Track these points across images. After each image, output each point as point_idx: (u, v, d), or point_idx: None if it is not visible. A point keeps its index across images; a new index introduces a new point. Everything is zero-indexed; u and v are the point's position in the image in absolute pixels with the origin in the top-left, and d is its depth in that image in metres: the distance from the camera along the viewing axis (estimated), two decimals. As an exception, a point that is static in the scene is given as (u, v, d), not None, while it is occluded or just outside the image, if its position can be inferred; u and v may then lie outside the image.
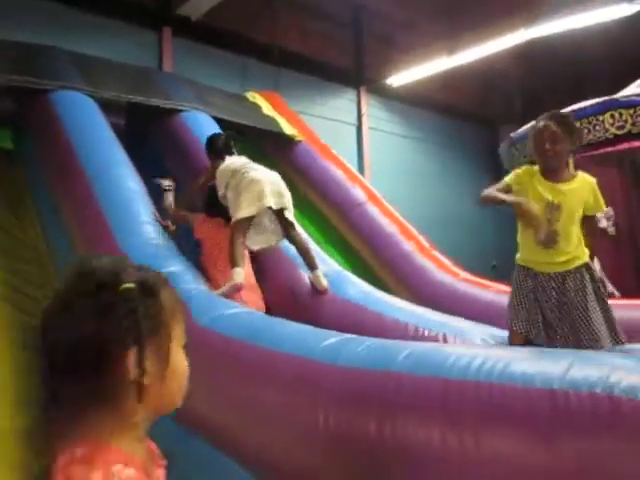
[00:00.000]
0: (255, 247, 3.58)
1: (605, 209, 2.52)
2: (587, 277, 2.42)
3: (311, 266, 3.60)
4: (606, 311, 2.42)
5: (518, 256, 2.58)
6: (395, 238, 5.06)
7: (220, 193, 3.58)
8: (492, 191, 2.59)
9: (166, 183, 3.54)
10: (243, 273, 3.19)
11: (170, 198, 3.50)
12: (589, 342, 2.34)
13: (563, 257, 2.43)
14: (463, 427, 1.32)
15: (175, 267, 2.82)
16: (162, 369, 0.85)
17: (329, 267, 3.90)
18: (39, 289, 3.28)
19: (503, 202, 2.49)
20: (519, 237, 2.58)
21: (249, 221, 3.38)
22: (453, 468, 1.32)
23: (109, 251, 2.98)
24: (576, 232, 2.46)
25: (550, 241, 2.39)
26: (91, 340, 0.77)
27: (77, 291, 0.80)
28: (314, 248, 4.03)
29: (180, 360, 0.91)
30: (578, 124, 5.96)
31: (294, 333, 2.06)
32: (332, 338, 1.86)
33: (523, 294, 2.49)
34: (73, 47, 5.12)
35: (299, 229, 3.88)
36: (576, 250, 2.45)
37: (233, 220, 3.38)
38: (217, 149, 3.81)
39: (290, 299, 3.66)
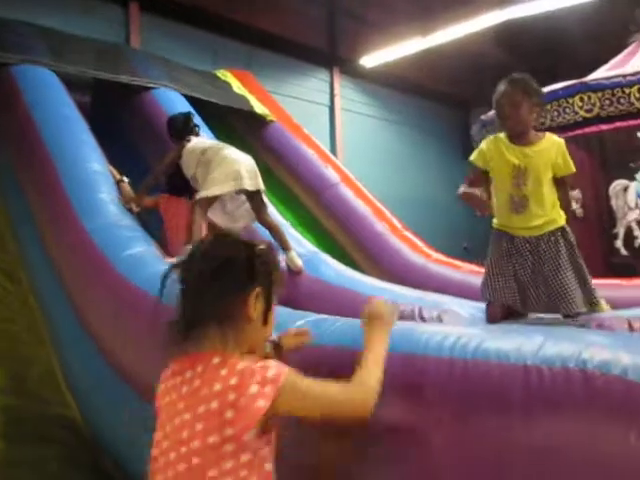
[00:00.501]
0: (222, 224, 3.52)
1: (574, 170, 2.48)
2: (561, 241, 2.40)
3: (285, 247, 3.56)
4: (581, 274, 2.41)
5: (494, 220, 2.57)
6: (368, 219, 5.06)
7: (189, 174, 3.46)
8: (461, 189, 2.59)
9: (118, 177, 3.42)
10: None
11: (127, 188, 3.39)
12: (564, 305, 2.33)
13: (536, 221, 2.39)
14: (438, 403, 1.32)
15: (141, 248, 2.75)
16: (266, 312, 1.14)
17: (304, 248, 3.88)
18: (3, 273, 3.19)
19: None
20: (494, 202, 2.55)
21: (213, 200, 3.28)
22: (427, 445, 1.31)
23: (74, 233, 2.89)
24: (549, 195, 2.41)
25: (484, 210, 2.39)
26: (237, 276, 1.09)
27: (227, 244, 1.15)
28: (288, 230, 4.01)
29: (273, 314, 1.17)
30: (548, 106, 6.03)
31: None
32: (306, 318, 1.84)
33: (498, 258, 2.46)
34: (37, 21, 4.93)
35: (272, 210, 3.83)
36: (550, 213, 2.40)
37: (198, 196, 3.27)
38: (178, 130, 3.68)
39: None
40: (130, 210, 3.29)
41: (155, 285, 2.35)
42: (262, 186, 3.46)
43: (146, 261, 2.64)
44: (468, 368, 1.32)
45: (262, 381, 1.01)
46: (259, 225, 3.67)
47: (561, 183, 2.45)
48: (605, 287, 3.44)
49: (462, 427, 1.28)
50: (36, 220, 3.25)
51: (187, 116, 3.79)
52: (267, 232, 3.63)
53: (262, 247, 1.16)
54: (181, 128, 3.67)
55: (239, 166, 3.29)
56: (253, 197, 3.47)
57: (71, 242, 2.89)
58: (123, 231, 2.90)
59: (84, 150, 3.48)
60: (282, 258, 3.58)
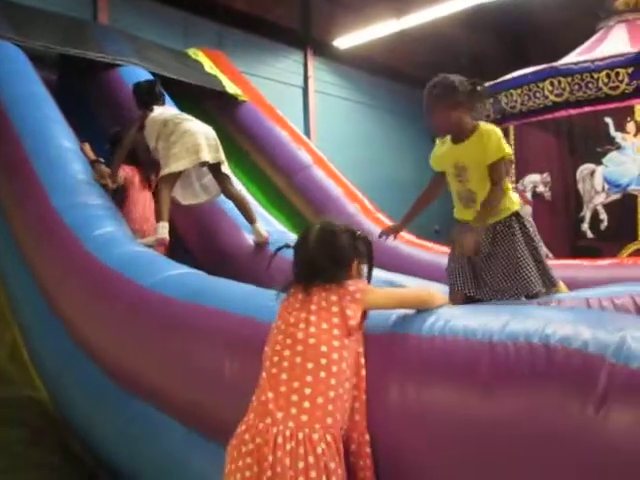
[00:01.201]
0: (185, 202, 3.53)
1: (511, 154, 2.49)
2: (516, 225, 2.44)
3: (250, 220, 3.57)
4: (537, 257, 2.46)
5: (454, 211, 2.61)
6: (340, 201, 5.07)
7: (151, 146, 3.42)
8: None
9: (93, 157, 3.35)
10: (167, 227, 3.12)
11: (102, 167, 3.33)
12: (522, 285, 2.37)
13: None
14: (406, 377, 1.34)
15: (113, 227, 2.71)
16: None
17: (272, 227, 3.87)
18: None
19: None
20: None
21: (178, 175, 3.29)
22: (394, 417, 1.34)
23: (41, 212, 2.83)
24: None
25: (472, 251, 2.38)
26: (345, 249, 1.52)
27: (339, 229, 1.54)
28: (258, 209, 3.99)
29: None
30: (519, 91, 6.10)
31: (240, 293, 2.03)
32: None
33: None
34: (0, -6, 4.76)
35: (236, 183, 3.81)
36: (501, 202, 2.42)
37: (162, 173, 3.26)
38: (142, 96, 3.60)
39: (231, 260, 3.62)
40: (106, 187, 3.26)
41: (126, 265, 2.35)
42: (223, 158, 3.44)
43: (117, 241, 2.61)
44: (435, 344, 1.36)
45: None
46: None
47: (493, 169, 2.38)
48: (568, 267, 3.53)
49: (427, 400, 1.31)
50: (2, 199, 3.16)
51: (151, 83, 3.73)
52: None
53: (359, 233, 1.57)
54: (145, 94, 3.60)
55: (199, 139, 3.27)
56: (214, 169, 3.47)
57: (39, 220, 2.83)
58: (93, 210, 2.85)
59: (53, 128, 3.39)
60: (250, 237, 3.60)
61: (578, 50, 6.63)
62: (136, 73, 4.72)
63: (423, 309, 1.48)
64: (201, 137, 3.30)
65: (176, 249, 3.57)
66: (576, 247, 6.25)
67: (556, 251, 5.94)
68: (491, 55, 9.74)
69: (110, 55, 4.77)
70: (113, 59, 4.76)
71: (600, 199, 6.25)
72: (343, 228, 1.55)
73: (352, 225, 1.60)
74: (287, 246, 1.59)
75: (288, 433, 1.25)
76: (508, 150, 2.42)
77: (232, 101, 5.67)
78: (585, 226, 6.34)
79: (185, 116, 3.49)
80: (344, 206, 5.01)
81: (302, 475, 1.22)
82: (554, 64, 5.87)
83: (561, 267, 3.49)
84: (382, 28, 7.98)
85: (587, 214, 6.34)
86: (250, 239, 3.64)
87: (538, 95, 5.91)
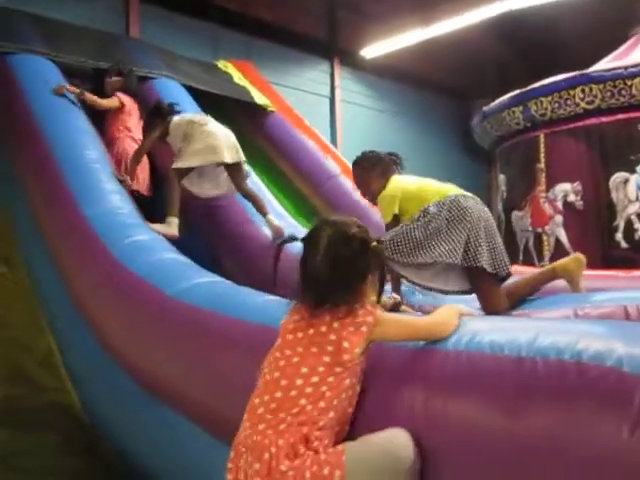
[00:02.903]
0: (194, 190, 3.71)
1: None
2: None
3: (263, 212, 3.78)
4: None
5: None
6: (367, 210, 5.05)
7: (176, 147, 3.60)
8: None
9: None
10: (177, 223, 3.32)
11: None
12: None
13: None
14: (431, 394, 1.32)
15: (141, 236, 2.75)
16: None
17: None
18: (1, 260, 3.19)
19: None
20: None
21: (187, 171, 3.49)
22: (418, 435, 1.31)
23: (72, 221, 2.89)
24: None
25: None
26: (359, 267, 1.42)
27: (346, 246, 1.40)
28: (289, 220, 4.13)
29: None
30: (549, 98, 6.01)
31: (261, 303, 2.05)
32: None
33: None
34: (36, 10, 4.91)
35: (255, 181, 4.07)
36: None
37: (174, 165, 3.47)
38: (164, 110, 3.75)
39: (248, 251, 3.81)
40: (124, 182, 3.42)
41: (154, 273, 2.39)
42: (241, 158, 3.66)
43: (144, 248, 2.64)
44: (461, 359, 1.33)
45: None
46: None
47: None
48: (602, 278, 3.45)
49: (452, 417, 1.28)
50: (34, 208, 3.24)
51: (170, 103, 3.91)
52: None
53: (374, 244, 1.46)
54: (167, 109, 3.77)
55: (218, 140, 3.49)
56: (232, 169, 3.65)
57: (69, 229, 2.89)
58: (122, 218, 2.90)
59: (82, 138, 3.47)
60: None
61: (610, 57, 6.52)
62: (168, 85, 4.82)
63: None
64: (221, 138, 3.52)
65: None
66: (609, 257, 6.10)
67: (588, 261, 5.82)
68: (518, 63, 9.66)
69: (142, 68, 4.88)
70: (145, 72, 4.86)
71: (634, 208, 6.10)
72: (357, 235, 1.41)
73: (365, 228, 1.47)
74: (294, 239, 1.52)
75: (246, 440, 1.29)
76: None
77: (261, 112, 5.73)
78: (619, 236, 6.18)
79: (208, 118, 3.68)
80: (371, 215, 4.98)
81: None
82: (585, 71, 5.77)
83: (595, 278, 3.43)
84: (408, 37, 7.97)
85: (621, 223, 6.18)
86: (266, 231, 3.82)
87: (569, 102, 5.81)
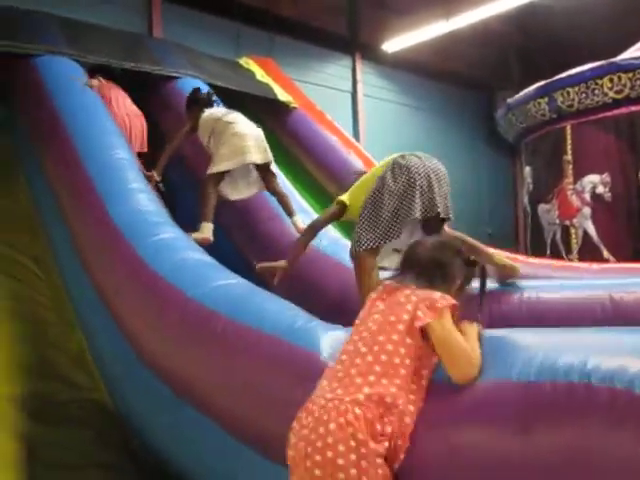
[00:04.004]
0: (232, 198, 3.73)
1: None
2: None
3: (290, 213, 3.75)
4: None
5: None
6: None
7: (204, 142, 3.68)
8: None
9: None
10: (211, 228, 3.36)
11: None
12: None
13: None
14: (439, 423, 1.33)
15: (167, 234, 2.76)
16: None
17: (327, 238, 3.91)
18: (31, 258, 3.25)
19: None
20: None
21: (223, 175, 3.52)
22: (429, 465, 1.32)
23: (99, 219, 2.92)
24: None
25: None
26: (453, 266, 1.60)
27: (448, 248, 1.64)
28: (302, 203, 4.15)
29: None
30: (576, 88, 5.91)
31: (276, 311, 2.07)
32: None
33: None
34: (59, 11, 4.98)
35: (281, 180, 4.04)
36: None
37: (208, 171, 3.50)
38: (200, 100, 3.83)
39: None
40: (151, 178, 3.48)
41: (176, 273, 2.40)
42: (271, 158, 3.67)
43: (170, 247, 2.66)
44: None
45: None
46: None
47: None
48: (633, 271, 3.38)
49: (460, 444, 1.29)
50: (61, 207, 3.28)
51: (209, 92, 4.03)
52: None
53: (464, 255, 1.65)
54: (204, 99, 3.85)
55: (247, 141, 3.51)
56: (262, 168, 3.66)
57: (96, 228, 2.92)
58: (148, 216, 2.92)
59: (108, 138, 3.51)
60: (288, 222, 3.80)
61: (638, 45, 6.36)
62: (193, 84, 4.84)
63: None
64: (250, 139, 3.53)
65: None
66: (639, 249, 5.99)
67: (618, 254, 5.71)
68: (541, 54, 9.49)
69: (167, 68, 4.92)
70: (169, 71, 4.90)
71: (665, 199, 5.97)
72: (455, 247, 1.65)
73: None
74: None
75: (325, 403, 1.33)
76: None
77: (283, 108, 5.73)
78: (649, 227, 6.06)
79: (235, 115, 3.69)
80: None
81: (320, 440, 1.28)
82: (614, 60, 5.65)
83: (625, 271, 3.35)
84: (430, 30, 7.89)
85: (651, 215, 6.06)
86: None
87: (597, 92, 5.70)
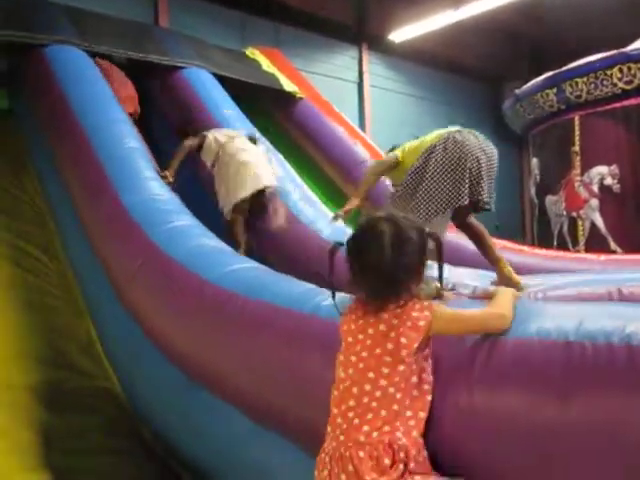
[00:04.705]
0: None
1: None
2: None
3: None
4: None
5: None
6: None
7: (208, 162, 3.89)
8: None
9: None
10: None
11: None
12: None
13: None
14: (477, 382, 1.32)
15: (181, 222, 2.78)
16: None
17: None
18: (39, 248, 3.27)
19: None
20: None
21: (242, 204, 3.73)
22: (463, 423, 1.31)
23: (112, 208, 2.93)
24: None
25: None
26: (417, 255, 1.41)
27: (410, 228, 1.41)
28: (319, 207, 4.16)
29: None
30: (585, 79, 5.86)
31: (294, 288, 2.07)
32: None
33: None
34: (67, 1, 4.97)
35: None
36: None
37: (229, 207, 3.72)
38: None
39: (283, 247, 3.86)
40: (165, 178, 3.47)
41: (191, 259, 2.42)
42: (274, 182, 3.89)
43: (184, 234, 2.67)
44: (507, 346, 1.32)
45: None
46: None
47: None
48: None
49: (498, 405, 1.28)
50: (72, 197, 3.30)
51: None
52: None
53: (428, 231, 1.48)
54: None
55: (254, 169, 3.74)
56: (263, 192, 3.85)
57: (110, 217, 2.93)
58: (162, 204, 2.93)
59: (119, 127, 3.52)
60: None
61: (649, 34, 6.30)
62: (199, 74, 4.84)
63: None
64: (255, 167, 3.75)
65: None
66: (648, 241, 5.96)
67: (626, 246, 5.68)
68: (552, 44, 9.41)
69: (173, 57, 4.92)
70: (176, 61, 4.90)
71: (673, 191, 5.93)
72: (413, 226, 1.42)
73: (414, 220, 1.48)
74: (340, 244, 1.49)
75: (333, 453, 1.33)
76: None
77: (289, 99, 5.72)
78: (657, 219, 6.03)
79: (236, 142, 3.86)
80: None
81: None
82: (623, 50, 5.60)
83: (633, 263, 3.34)
84: (438, 19, 7.83)
85: (659, 206, 6.02)
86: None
87: (606, 83, 5.66)
